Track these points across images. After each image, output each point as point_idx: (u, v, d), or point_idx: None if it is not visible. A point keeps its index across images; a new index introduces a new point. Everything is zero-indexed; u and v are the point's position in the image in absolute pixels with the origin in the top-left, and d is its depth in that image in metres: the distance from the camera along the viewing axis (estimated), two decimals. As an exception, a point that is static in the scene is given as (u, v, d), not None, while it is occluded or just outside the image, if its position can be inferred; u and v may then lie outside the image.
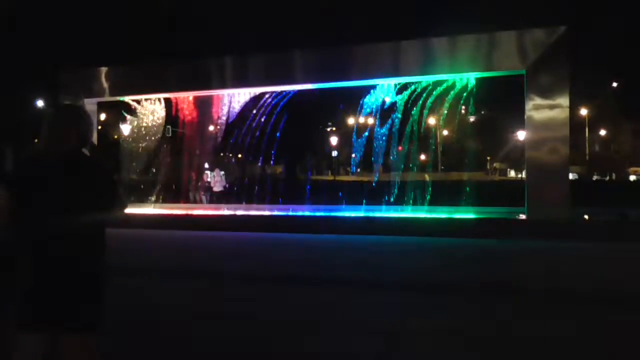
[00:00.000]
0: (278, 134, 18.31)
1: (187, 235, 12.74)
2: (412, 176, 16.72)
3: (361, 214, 14.97)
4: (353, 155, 17.86)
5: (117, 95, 16.96)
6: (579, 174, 44.16)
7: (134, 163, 18.34)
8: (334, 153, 44.80)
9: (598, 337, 4.80)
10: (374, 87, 15.34)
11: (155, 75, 16.22)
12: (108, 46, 28.22)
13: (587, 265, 8.57)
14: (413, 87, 14.95)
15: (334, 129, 43.61)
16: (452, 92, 14.62)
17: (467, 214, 14.10)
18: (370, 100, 15.74)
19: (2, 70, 27.46)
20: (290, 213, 15.67)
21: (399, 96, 15.29)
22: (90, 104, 16.44)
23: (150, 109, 17.54)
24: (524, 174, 16.81)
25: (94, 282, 2.59)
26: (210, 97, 17.48)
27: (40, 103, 33.28)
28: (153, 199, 18.45)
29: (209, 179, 20.97)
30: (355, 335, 4.87)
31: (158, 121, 17.84)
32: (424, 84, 14.89)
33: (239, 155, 21.67)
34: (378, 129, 16.27)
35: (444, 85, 14.69)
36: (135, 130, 17.98)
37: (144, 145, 18.18)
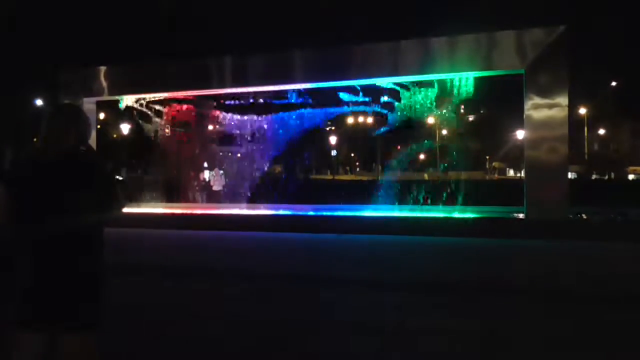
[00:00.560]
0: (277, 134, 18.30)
1: (187, 234, 12.75)
2: (410, 175, 16.74)
3: (360, 213, 14.97)
4: (352, 154, 17.88)
5: (116, 95, 16.94)
6: (578, 174, 44.20)
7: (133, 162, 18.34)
8: (333, 152, 44.85)
9: (598, 337, 4.82)
10: (373, 86, 15.34)
11: (154, 74, 16.21)
12: (108, 46, 28.21)
13: (587, 264, 8.58)
14: (412, 86, 14.97)
15: (333, 128, 43.62)
16: (451, 92, 14.61)
17: (465, 213, 14.11)
18: (369, 100, 15.76)
19: (1, 69, 27.45)
20: (289, 213, 15.66)
21: (398, 95, 15.30)
22: (89, 103, 16.43)
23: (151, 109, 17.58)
24: (522, 174, 16.81)
25: (92, 281, 2.59)
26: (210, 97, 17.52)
27: (39, 102, 33.27)
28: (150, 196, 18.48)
29: (205, 178, 20.96)
30: (355, 335, 4.88)
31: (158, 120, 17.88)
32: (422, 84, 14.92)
33: (239, 155, 21.65)
34: (377, 129, 16.28)
35: (443, 85, 14.70)
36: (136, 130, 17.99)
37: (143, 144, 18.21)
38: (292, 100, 16.17)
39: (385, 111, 15.54)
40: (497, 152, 50.25)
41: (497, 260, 9.00)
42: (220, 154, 20.39)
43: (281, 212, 15.83)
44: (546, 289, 6.73)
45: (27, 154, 2.71)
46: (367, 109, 15.39)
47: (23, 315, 2.52)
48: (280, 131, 17.44)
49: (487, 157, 54.69)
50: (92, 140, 14.37)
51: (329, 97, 16.14)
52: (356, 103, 15.83)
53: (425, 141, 18.51)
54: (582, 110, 42.61)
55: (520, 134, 25.96)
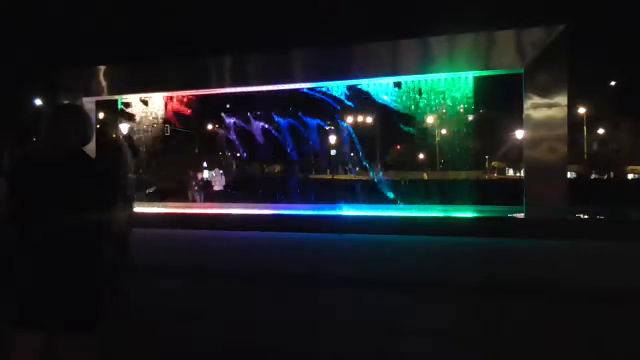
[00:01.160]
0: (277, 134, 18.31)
1: (187, 234, 12.74)
2: (410, 175, 16.74)
3: (359, 213, 14.98)
4: (352, 154, 17.88)
5: (115, 94, 16.95)
6: (577, 173, 44.19)
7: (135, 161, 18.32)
8: (333, 152, 44.79)
9: (598, 337, 4.82)
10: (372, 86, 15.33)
11: (154, 74, 16.20)
12: (107, 45, 28.19)
13: (586, 264, 8.58)
14: (411, 85, 14.95)
15: (332, 127, 43.57)
16: (451, 91, 14.61)
17: (465, 212, 14.12)
18: (369, 100, 15.75)
19: (0, 69, 27.42)
20: (289, 212, 15.65)
21: (398, 95, 15.28)
22: (88, 103, 16.42)
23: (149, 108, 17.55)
24: (522, 173, 16.82)
25: (92, 282, 2.58)
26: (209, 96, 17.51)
27: (38, 102, 33.22)
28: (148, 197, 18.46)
29: (207, 178, 20.99)
30: (355, 335, 4.88)
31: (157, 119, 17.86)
32: (422, 83, 14.91)
33: (238, 155, 21.67)
34: (376, 128, 16.26)
35: (443, 84, 14.69)
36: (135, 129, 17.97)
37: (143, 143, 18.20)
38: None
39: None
40: (496, 151, 50.25)
41: (496, 260, 8.99)
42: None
43: (280, 211, 15.83)
44: (546, 288, 6.73)
45: (29, 153, 2.70)
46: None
47: (22, 315, 2.52)
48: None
49: (487, 156, 54.67)
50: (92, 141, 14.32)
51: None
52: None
53: (425, 141, 18.51)
54: (582, 110, 42.63)
55: (519, 134, 25.96)
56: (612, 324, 5.13)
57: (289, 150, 18.21)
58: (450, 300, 6.17)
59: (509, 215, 13.33)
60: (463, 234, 11.55)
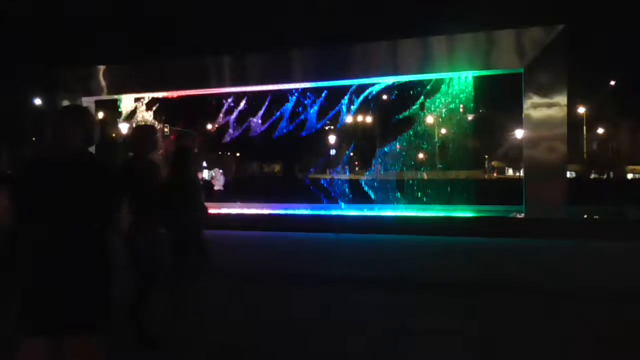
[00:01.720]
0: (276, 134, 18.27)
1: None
2: (409, 175, 16.73)
3: (358, 212, 14.98)
4: (351, 154, 17.86)
5: (115, 94, 16.94)
6: (576, 173, 44.21)
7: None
8: (332, 152, 44.75)
9: (598, 336, 4.82)
10: (372, 85, 15.34)
11: (153, 73, 16.19)
12: (106, 45, 28.17)
13: (586, 263, 8.59)
14: (410, 85, 14.97)
15: (332, 127, 43.56)
16: (450, 91, 14.61)
17: (464, 212, 14.12)
18: (368, 99, 15.76)
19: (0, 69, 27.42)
20: (289, 212, 15.66)
21: (397, 95, 15.31)
22: (88, 103, 16.41)
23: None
24: (522, 173, 16.82)
25: (97, 283, 2.58)
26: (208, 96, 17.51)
27: (38, 102, 33.20)
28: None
29: (205, 177, 20.99)
30: (355, 335, 4.88)
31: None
32: (421, 83, 14.92)
33: (237, 155, 21.65)
34: (375, 128, 16.27)
35: (442, 84, 14.70)
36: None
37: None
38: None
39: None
40: (496, 151, 50.26)
41: (495, 260, 8.99)
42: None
43: (279, 211, 15.83)
44: (546, 288, 6.73)
45: (38, 154, 2.70)
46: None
47: (27, 318, 2.51)
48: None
49: (486, 156, 54.67)
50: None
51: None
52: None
53: (424, 140, 18.48)
54: (581, 110, 42.65)
55: (519, 133, 25.97)
56: (612, 324, 5.13)
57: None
58: (450, 299, 6.17)
59: (511, 214, 13.32)
60: (462, 234, 11.55)
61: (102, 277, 2.61)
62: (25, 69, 28.20)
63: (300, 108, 16.50)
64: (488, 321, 5.27)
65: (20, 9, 28.22)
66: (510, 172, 58.39)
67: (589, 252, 9.56)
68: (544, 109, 12.41)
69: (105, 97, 17.07)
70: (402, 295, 6.39)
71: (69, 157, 2.57)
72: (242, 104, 16.97)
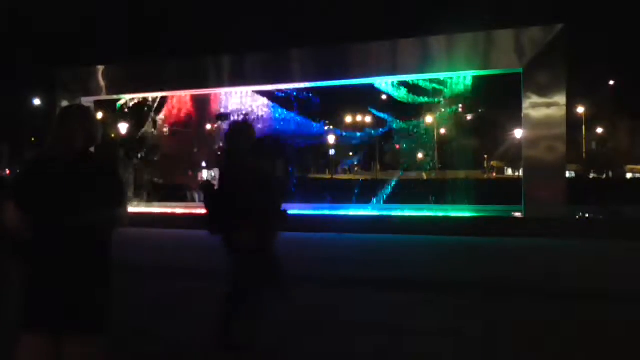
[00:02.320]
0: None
1: (188, 234, 12.74)
2: (408, 175, 16.74)
3: (358, 212, 14.98)
4: (350, 154, 17.86)
5: (114, 94, 16.94)
6: (576, 172, 44.21)
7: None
8: (332, 152, 44.71)
9: (599, 336, 4.82)
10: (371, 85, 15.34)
11: (152, 73, 16.19)
12: (106, 44, 28.17)
13: (585, 263, 8.60)
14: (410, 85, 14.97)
15: (331, 127, 43.56)
16: (449, 90, 14.62)
17: (463, 212, 14.12)
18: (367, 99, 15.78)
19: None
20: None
21: (397, 94, 15.30)
22: (87, 103, 16.41)
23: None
24: (521, 172, 16.83)
25: (97, 283, 2.58)
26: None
27: (37, 102, 33.21)
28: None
29: (204, 177, 20.95)
30: (355, 335, 4.88)
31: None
32: (421, 82, 14.93)
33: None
34: (375, 128, 16.28)
35: (441, 84, 14.71)
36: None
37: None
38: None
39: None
40: (495, 151, 50.26)
41: (495, 259, 9.01)
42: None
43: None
44: (545, 287, 6.74)
45: (40, 154, 2.71)
46: None
47: (30, 317, 2.52)
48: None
49: (486, 156, 54.66)
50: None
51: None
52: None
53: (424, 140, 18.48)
54: (580, 109, 42.66)
55: (518, 133, 26.00)
56: (612, 324, 5.14)
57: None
58: (450, 299, 6.17)
59: (511, 214, 13.32)
60: (462, 234, 11.56)
61: (103, 277, 2.61)
62: (25, 69, 28.20)
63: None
64: (488, 321, 5.27)
65: (20, 9, 28.23)
66: (509, 172, 58.40)
67: (588, 252, 9.57)
68: (543, 109, 12.42)
69: (104, 97, 17.07)
70: (402, 295, 6.39)
71: (71, 157, 2.58)
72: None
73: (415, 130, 15.97)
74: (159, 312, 5.67)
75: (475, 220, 12.96)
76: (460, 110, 14.68)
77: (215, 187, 4.47)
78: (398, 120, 16.16)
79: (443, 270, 8.06)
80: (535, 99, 12.49)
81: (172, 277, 7.60)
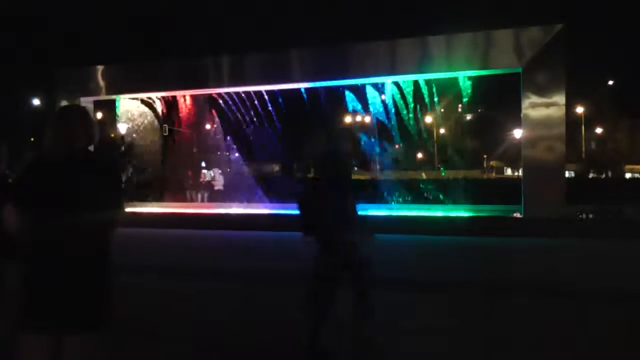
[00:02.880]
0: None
1: (188, 233, 12.74)
2: (408, 174, 16.76)
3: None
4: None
5: (113, 94, 16.93)
6: (575, 172, 44.23)
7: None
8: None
9: (598, 336, 4.82)
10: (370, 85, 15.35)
11: (152, 73, 16.19)
12: (105, 44, 28.16)
13: (585, 263, 8.60)
14: (409, 85, 14.99)
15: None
16: (448, 90, 14.65)
17: (463, 212, 14.12)
18: (366, 99, 15.78)
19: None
20: (287, 212, 15.64)
21: (396, 94, 15.32)
22: (86, 103, 16.40)
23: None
24: (520, 172, 16.84)
25: (95, 282, 2.58)
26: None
27: (36, 102, 33.20)
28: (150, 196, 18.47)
29: (207, 178, 20.96)
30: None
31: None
32: (420, 82, 14.95)
33: (237, 154, 21.63)
34: (374, 128, 16.29)
35: (441, 84, 14.73)
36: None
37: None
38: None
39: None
40: (494, 151, 50.29)
41: (495, 259, 9.00)
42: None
43: (279, 211, 15.82)
44: (545, 287, 6.74)
45: (40, 154, 2.71)
46: None
47: (28, 316, 2.52)
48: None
49: (485, 156, 54.69)
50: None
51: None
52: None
53: (423, 140, 18.51)
54: (580, 109, 42.70)
55: (517, 133, 26.03)
56: (612, 323, 5.14)
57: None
58: (450, 298, 6.17)
59: (511, 214, 13.33)
60: (462, 234, 11.55)
61: (102, 276, 2.61)
62: (24, 69, 28.18)
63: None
64: (488, 320, 5.27)
65: (20, 8, 28.20)
66: (509, 171, 58.43)
67: (587, 252, 9.57)
68: (543, 109, 12.43)
69: (103, 97, 17.07)
70: (402, 295, 6.39)
71: (70, 156, 2.58)
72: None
73: (414, 130, 15.97)
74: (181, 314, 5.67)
75: (474, 220, 12.96)
76: (459, 110, 14.69)
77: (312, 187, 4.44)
78: (398, 121, 16.17)
79: (442, 270, 8.05)
80: (534, 99, 12.50)
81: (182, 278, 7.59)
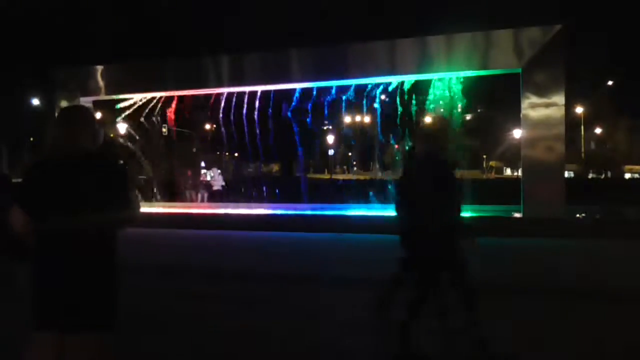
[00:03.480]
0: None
1: (188, 233, 12.75)
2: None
3: (358, 212, 14.98)
4: (350, 154, 17.86)
5: (113, 94, 16.92)
6: (574, 172, 44.30)
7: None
8: (331, 152, 44.77)
9: (599, 335, 4.83)
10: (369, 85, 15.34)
11: (151, 73, 16.18)
12: (104, 44, 28.14)
13: (584, 263, 8.61)
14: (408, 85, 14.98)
15: (330, 127, 43.62)
16: (448, 90, 14.62)
17: (462, 212, 14.09)
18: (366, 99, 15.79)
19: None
20: (288, 212, 15.65)
21: (395, 94, 15.33)
22: (86, 103, 16.39)
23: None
24: (520, 172, 16.86)
25: (103, 282, 2.59)
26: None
27: (35, 102, 33.18)
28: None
29: (207, 178, 20.99)
30: (354, 334, 4.88)
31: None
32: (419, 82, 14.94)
33: (236, 154, 21.67)
34: (374, 128, 16.29)
35: (440, 84, 14.70)
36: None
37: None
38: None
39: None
40: (494, 151, 50.35)
41: (494, 259, 9.00)
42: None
43: (279, 211, 15.83)
44: (544, 287, 6.74)
45: (45, 155, 2.72)
46: None
47: (37, 315, 2.53)
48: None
49: (484, 156, 54.76)
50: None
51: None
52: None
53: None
54: (579, 110, 42.75)
55: (517, 133, 26.03)
56: (612, 323, 5.15)
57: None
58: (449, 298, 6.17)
59: (510, 214, 13.32)
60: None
61: (110, 276, 2.62)
62: (23, 69, 28.15)
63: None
64: (487, 320, 5.27)
65: (20, 8, 28.17)
66: (508, 171, 58.50)
67: (587, 252, 9.58)
68: (542, 109, 12.44)
69: (103, 97, 17.05)
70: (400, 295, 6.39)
71: (75, 157, 2.59)
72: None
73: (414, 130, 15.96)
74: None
75: (474, 220, 12.95)
76: (459, 110, 14.68)
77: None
78: (397, 120, 16.17)
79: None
80: (534, 99, 12.51)
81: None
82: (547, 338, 4.72)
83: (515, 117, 17.18)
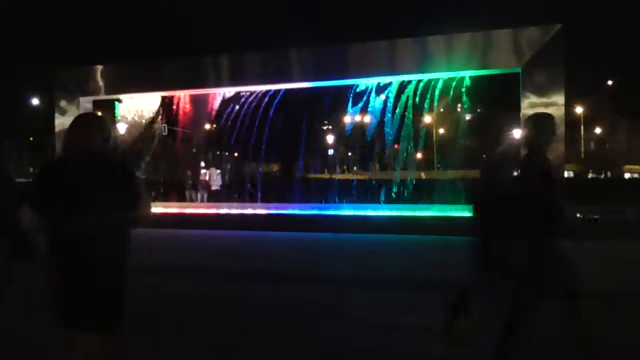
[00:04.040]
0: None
1: (188, 233, 12.74)
2: (408, 174, 16.76)
3: (358, 212, 14.98)
4: (350, 154, 17.87)
5: (113, 94, 16.91)
6: (574, 172, 44.26)
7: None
8: (330, 151, 44.73)
9: (598, 335, 4.83)
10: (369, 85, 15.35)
11: (151, 73, 16.18)
12: (104, 44, 28.15)
13: (584, 263, 8.58)
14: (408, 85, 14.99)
15: (330, 127, 43.59)
16: (447, 90, 14.64)
17: (463, 211, 14.10)
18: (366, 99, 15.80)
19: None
20: (288, 212, 15.66)
21: (395, 94, 15.33)
22: (85, 103, 16.39)
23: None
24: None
25: (112, 282, 2.60)
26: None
27: (35, 102, 33.18)
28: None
29: (206, 178, 20.97)
30: (354, 334, 4.88)
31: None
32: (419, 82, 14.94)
33: (235, 154, 21.66)
34: (373, 128, 16.29)
35: (440, 83, 14.72)
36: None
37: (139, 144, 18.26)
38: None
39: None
40: (494, 151, 50.27)
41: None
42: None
43: (279, 211, 15.83)
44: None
45: (57, 157, 2.76)
46: None
47: (58, 314, 2.57)
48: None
49: (484, 156, 54.70)
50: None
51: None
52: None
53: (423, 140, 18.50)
54: (579, 109, 42.74)
55: (517, 133, 26.01)
56: (612, 323, 5.15)
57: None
58: (450, 298, 6.17)
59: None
60: (461, 233, 11.52)
61: (118, 276, 2.63)
62: (23, 69, 28.15)
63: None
64: (486, 320, 5.27)
65: (19, 8, 28.17)
66: (508, 171, 58.26)
67: (587, 252, 9.54)
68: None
69: (102, 97, 17.05)
70: (402, 295, 6.40)
71: (87, 159, 2.61)
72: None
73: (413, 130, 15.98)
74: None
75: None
76: (459, 110, 14.69)
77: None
78: (397, 120, 16.18)
79: (442, 270, 8.04)
80: (533, 98, 12.51)
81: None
82: (545, 337, 4.72)
83: (514, 117, 17.16)
